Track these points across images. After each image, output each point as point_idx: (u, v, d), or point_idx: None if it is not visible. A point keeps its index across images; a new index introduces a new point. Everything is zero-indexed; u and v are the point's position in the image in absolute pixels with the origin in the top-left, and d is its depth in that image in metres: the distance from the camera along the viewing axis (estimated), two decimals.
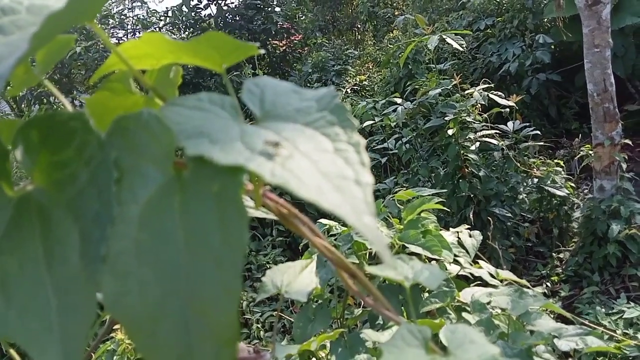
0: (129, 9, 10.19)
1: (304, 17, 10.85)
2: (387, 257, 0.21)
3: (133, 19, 9.99)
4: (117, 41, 8.85)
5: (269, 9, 9.23)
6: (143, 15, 9.87)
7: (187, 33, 9.50)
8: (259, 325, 3.82)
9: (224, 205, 0.24)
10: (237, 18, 9.25)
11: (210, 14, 9.57)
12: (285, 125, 0.28)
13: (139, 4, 10.08)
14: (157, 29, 9.73)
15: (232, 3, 9.31)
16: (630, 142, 4.11)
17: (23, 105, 8.05)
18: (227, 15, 9.37)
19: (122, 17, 9.67)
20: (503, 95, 3.86)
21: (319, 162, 0.25)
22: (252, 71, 6.75)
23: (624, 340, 2.61)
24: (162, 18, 9.81)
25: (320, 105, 0.29)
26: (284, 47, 8.83)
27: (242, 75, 7.07)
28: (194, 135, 0.27)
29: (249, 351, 0.64)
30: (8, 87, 0.45)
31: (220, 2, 9.19)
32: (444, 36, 3.90)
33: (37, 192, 0.28)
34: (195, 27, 9.47)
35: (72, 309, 0.23)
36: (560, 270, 4.03)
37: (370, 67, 7.97)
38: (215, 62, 0.37)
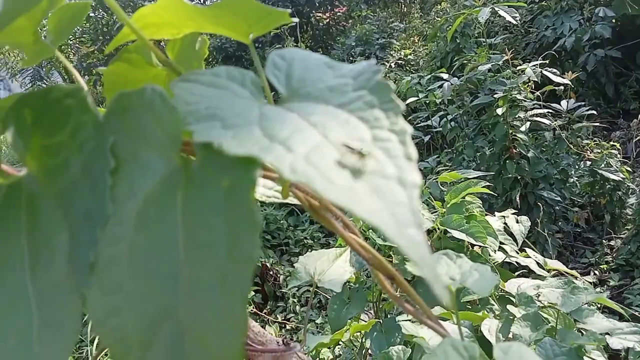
0: None
1: None
2: (437, 285, 0.16)
3: None
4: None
5: None
6: None
7: None
8: (295, 300, 3.85)
9: (233, 208, 0.19)
10: None
11: None
12: (315, 106, 0.23)
13: None
14: (199, 2, 9.73)
15: None
16: None
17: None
18: None
19: None
20: (557, 72, 3.65)
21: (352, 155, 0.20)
22: (295, 44, 6.67)
23: None
24: None
25: (358, 83, 0.24)
26: (328, 20, 8.66)
27: (283, 48, 6.97)
28: (204, 117, 0.22)
29: (278, 342, 0.60)
30: (24, 58, 0.42)
31: None
32: (496, 8, 3.69)
33: (29, 180, 0.24)
34: None
35: (55, 325, 0.20)
36: (610, 259, 3.85)
37: (416, 40, 7.73)
38: (240, 30, 0.33)
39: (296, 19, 0.38)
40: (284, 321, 3.43)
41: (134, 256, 0.20)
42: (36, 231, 0.22)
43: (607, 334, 1.09)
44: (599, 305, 2.63)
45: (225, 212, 0.19)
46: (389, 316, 1.48)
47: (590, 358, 1.02)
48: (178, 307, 0.19)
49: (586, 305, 1.16)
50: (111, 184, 0.21)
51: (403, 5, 10.23)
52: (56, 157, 0.23)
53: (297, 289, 4.07)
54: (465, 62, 4.21)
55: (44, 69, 8.78)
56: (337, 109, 0.23)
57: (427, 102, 4.98)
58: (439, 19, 6.91)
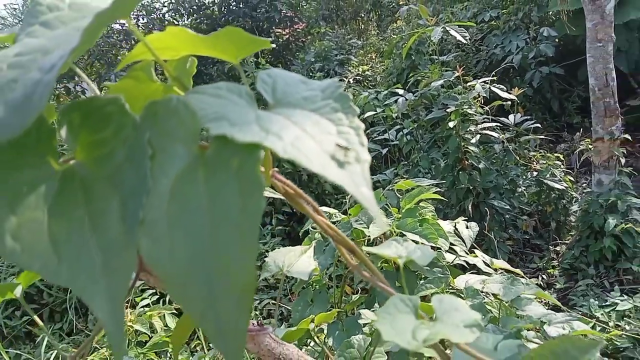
0: None
1: (307, 5, 10.82)
2: (380, 221, 0.26)
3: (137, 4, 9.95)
4: (120, 27, 8.88)
5: None
6: (148, 1, 9.83)
7: (190, 20, 9.50)
8: (257, 312, 3.89)
9: (243, 178, 0.28)
10: (241, 5, 9.23)
11: (214, 0, 9.56)
12: (295, 111, 0.32)
13: None
14: (160, 15, 9.72)
15: None
16: (629, 137, 4.14)
17: None
18: (231, 2, 9.35)
19: None
20: (505, 88, 3.89)
21: (324, 143, 0.29)
22: (255, 60, 6.76)
23: (615, 332, 2.66)
24: (165, 5, 9.78)
25: (325, 94, 0.33)
26: (287, 36, 8.81)
27: (244, 63, 7.09)
28: (215, 118, 0.31)
29: (253, 323, 0.68)
30: None
31: None
32: (447, 28, 3.91)
33: (79, 167, 0.32)
34: (199, 13, 9.46)
35: (114, 263, 0.28)
36: (557, 263, 4.09)
37: (373, 57, 7.97)
38: (231, 54, 0.42)
39: (274, 45, 0.47)
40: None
41: (170, 217, 0.28)
42: (91, 201, 0.30)
43: (546, 323, 1.22)
44: (547, 307, 2.80)
45: (237, 182, 0.28)
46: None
47: (531, 341, 1.14)
48: (206, 248, 0.27)
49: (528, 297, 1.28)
50: (150, 166, 0.29)
51: (360, 23, 10.52)
52: (103, 149, 0.31)
53: (259, 301, 4.11)
54: (419, 78, 4.41)
55: None
56: (311, 113, 0.32)
57: (384, 116, 5.15)
58: (395, 36, 7.16)
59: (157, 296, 3.47)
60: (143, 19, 9.22)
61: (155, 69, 0.51)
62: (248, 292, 0.26)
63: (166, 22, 9.50)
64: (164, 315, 2.57)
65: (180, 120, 0.31)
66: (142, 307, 2.81)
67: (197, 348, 3.33)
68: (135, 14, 9.70)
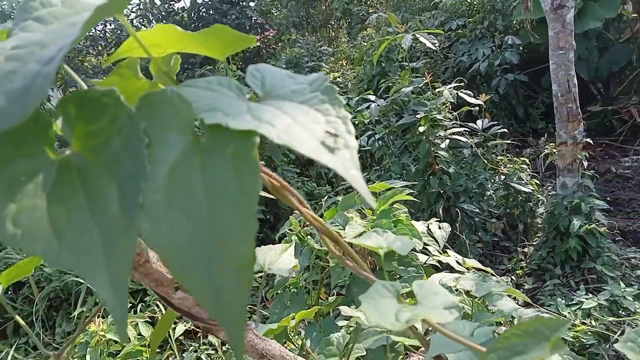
0: None
1: (278, 12, 10.86)
2: (369, 199, 0.28)
3: None
4: (87, 34, 8.74)
5: (244, 3, 9.21)
6: None
7: None
8: None
9: (239, 162, 0.29)
10: (211, 12, 9.20)
11: (184, 6, 9.51)
12: (284, 103, 0.34)
13: None
14: (128, 21, 9.61)
15: None
16: (591, 142, 4.30)
17: None
18: (201, 8, 9.31)
19: None
20: (473, 94, 3.99)
21: (314, 131, 0.31)
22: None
23: (582, 330, 2.75)
24: (133, 10, 9.67)
25: (313, 87, 0.35)
26: (258, 43, 8.82)
27: (214, 69, 7.07)
28: (209, 109, 0.32)
29: None
30: None
31: None
32: (417, 35, 3.99)
33: (75, 156, 0.33)
34: (168, 19, 9.39)
35: (115, 244, 0.29)
36: (525, 264, 4.20)
37: (344, 64, 8.05)
38: (218, 51, 0.43)
39: (258, 43, 0.48)
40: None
41: (169, 200, 0.30)
42: (89, 188, 0.31)
43: (516, 318, 1.26)
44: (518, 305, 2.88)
45: (233, 167, 0.29)
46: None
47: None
48: (205, 228, 0.29)
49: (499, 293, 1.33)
50: (147, 154, 0.31)
51: (331, 30, 10.62)
52: (98, 139, 0.32)
53: None
54: (390, 84, 4.49)
55: None
56: (300, 104, 0.34)
57: (356, 122, 5.21)
58: (365, 43, 7.26)
59: (129, 305, 3.41)
60: (111, 25, 9.09)
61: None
62: (247, 269, 0.28)
63: (134, 29, 9.39)
64: (137, 323, 2.53)
65: (175, 110, 0.32)
66: None
67: (170, 359, 3.29)
68: (102, 21, 9.55)
